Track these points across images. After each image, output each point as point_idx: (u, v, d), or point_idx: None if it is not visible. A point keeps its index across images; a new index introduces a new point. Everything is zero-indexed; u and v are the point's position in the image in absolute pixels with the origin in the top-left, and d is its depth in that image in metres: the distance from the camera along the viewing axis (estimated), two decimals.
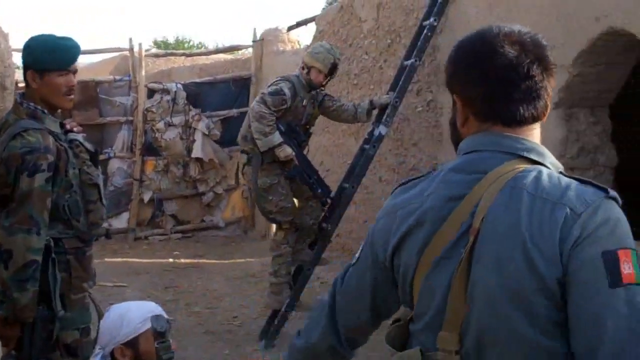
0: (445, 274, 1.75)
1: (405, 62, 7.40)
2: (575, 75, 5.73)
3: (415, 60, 7.27)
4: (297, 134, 7.24)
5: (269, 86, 7.29)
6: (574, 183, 1.74)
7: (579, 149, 5.93)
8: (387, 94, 7.41)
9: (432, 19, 7.26)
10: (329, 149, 9.95)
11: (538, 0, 6.06)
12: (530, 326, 1.65)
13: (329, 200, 7.33)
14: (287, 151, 6.99)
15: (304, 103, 7.28)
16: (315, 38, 10.43)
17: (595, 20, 5.39)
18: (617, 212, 1.71)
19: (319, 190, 7.24)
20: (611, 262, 1.62)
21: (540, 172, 1.76)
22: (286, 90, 7.08)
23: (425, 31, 7.29)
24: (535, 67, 1.82)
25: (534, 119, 1.85)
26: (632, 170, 6.62)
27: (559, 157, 5.86)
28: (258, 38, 12.98)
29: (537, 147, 1.83)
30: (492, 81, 1.81)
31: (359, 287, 2.02)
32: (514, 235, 1.68)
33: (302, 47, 12.41)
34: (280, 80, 7.31)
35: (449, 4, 7.30)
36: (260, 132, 6.95)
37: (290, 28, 12.81)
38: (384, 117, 7.23)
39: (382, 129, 7.21)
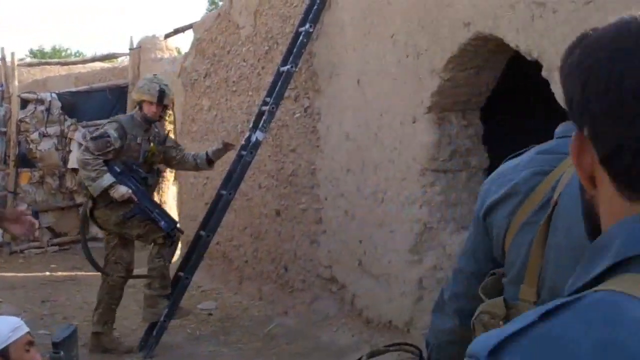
0: (529, 236, 1.96)
1: (282, 68, 7.36)
2: (446, 80, 5.79)
3: (292, 67, 7.24)
4: (136, 172, 7.14)
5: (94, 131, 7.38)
6: None
7: (452, 152, 6.00)
8: (221, 144, 7.48)
9: (307, 25, 7.24)
10: None
11: (405, 6, 6.12)
12: None
13: (175, 232, 7.28)
14: (120, 191, 6.89)
15: (138, 141, 7.17)
16: (193, 45, 10.28)
17: (464, 26, 5.47)
18: None
19: (162, 223, 7.11)
20: None
21: None
22: (111, 132, 7.00)
23: (301, 37, 7.27)
24: None
25: None
26: None
27: (432, 160, 5.92)
28: (135, 46, 12.73)
29: None
30: None
31: (473, 242, 2.22)
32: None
33: (181, 54, 12.23)
34: (107, 122, 7.34)
35: (324, 11, 7.30)
36: (88, 178, 6.90)
37: (167, 35, 12.62)
38: (261, 122, 7.17)
39: (258, 135, 7.15)
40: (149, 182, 7.24)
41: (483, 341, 0.94)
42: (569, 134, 1.84)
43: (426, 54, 5.91)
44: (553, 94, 4.83)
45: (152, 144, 7.27)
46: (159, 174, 7.60)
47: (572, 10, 4.67)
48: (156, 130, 7.42)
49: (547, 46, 4.86)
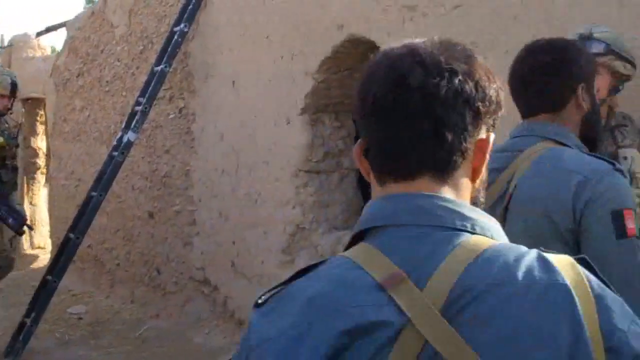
0: None
1: (156, 68, 7.19)
2: (320, 82, 5.77)
3: (166, 66, 7.09)
4: None
5: None
6: (588, 157, 2.21)
7: (325, 153, 5.98)
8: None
9: (182, 25, 7.10)
10: (81, 157, 9.50)
11: (280, 8, 6.08)
12: None
13: (25, 228, 7.09)
14: None
15: None
16: (66, 43, 9.96)
17: (338, 28, 5.46)
18: (622, 180, 2.16)
19: (10, 221, 6.89)
20: (618, 219, 2.06)
21: (562, 150, 2.24)
22: None
23: (175, 37, 7.12)
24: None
25: (546, 109, 2.31)
26: None
27: (305, 162, 5.89)
28: (6, 44, 12.25)
29: (561, 130, 2.29)
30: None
31: None
32: (537, 197, 2.16)
33: (54, 53, 11.84)
34: None
35: (200, 11, 7.17)
36: None
37: (39, 34, 12.18)
38: (133, 123, 6.99)
39: (130, 135, 6.96)
40: (2, 179, 6.94)
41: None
42: (523, 134, 2.32)
43: (300, 56, 5.88)
44: None
45: (1, 138, 6.99)
46: (14, 170, 7.28)
47: (441, 15, 4.73)
48: (6, 124, 7.13)
49: None
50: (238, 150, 6.72)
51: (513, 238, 1.88)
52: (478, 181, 1.26)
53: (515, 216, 2.19)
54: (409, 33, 4.91)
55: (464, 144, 1.19)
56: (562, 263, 1.13)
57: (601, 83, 3.16)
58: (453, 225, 1.15)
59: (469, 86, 1.19)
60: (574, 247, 2.09)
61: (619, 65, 3.20)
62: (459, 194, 1.20)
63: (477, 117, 1.21)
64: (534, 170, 2.21)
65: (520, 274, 1.09)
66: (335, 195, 6.03)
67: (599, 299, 1.09)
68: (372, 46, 5.29)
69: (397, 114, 1.18)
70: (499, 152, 2.22)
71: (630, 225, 2.07)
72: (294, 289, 1.15)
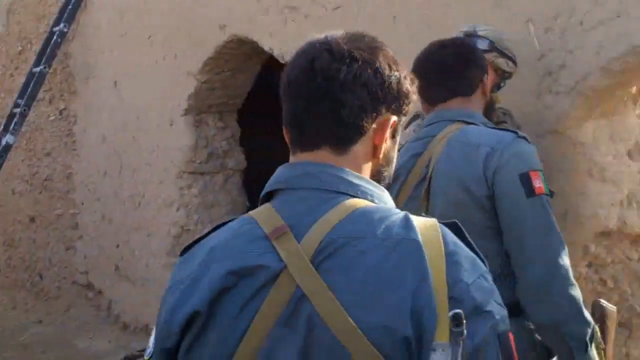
0: (415, 204, 2.41)
1: (35, 69, 6.96)
2: (203, 82, 5.69)
3: (45, 67, 6.87)
4: None
5: None
6: (492, 130, 2.50)
7: (209, 154, 5.90)
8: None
9: (62, 25, 6.89)
10: None
11: (162, 8, 5.97)
12: (471, 233, 1.77)
13: None
14: None
15: None
16: None
17: (220, 29, 5.40)
18: (526, 146, 2.42)
19: None
20: (525, 180, 2.31)
21: (469, 128, 2.48)
22: None
23: (55, 37, 6.91)
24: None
25: (456, 94, 2.57)
26: (261, 173, 6.74)
27: (189, 163, 5.80)
28: None
29: (467, 112, 2.55)
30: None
31: None
32: (453, 173, 2.39)
33: None
34: None
35: (80, 11, 6.97)
36: None
37: None
38: (11, 125, 6.73)
39: (9, 138, 6.72)
40: None
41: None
42: (434, 121, 2.56)
43: (183, 56, 5.79)
44: None
45: None
46: None
47: (322, 15, 4.73)
48: None
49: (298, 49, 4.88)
50: (121, 152, 6.56)
51: (437, 211, 2.32)
52: (381, 156, 1.40)
53: (436, 192, 2.42)
54: (290, 34, 4.90)
55: (361, 123, 1.35)
56: (424, 224, 1.30)
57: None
58: (337, 189, 1.33)
59: (368, 72, 1.34)
60: (491, 212, 2.36)
61: (502, 63, 3.25)
62: (356, 166, 1.36)
63: (376, 100, 1.35)
64: (447, 151, 2.44)
65: (379, 230, 1.27)
66: (219, 196, 5.96)
67: (449, 255, 1.25)
68: (254, 46, 5.25)
69: (304, 93, 1.35)
70: (416, 140, 2.54)
71: (538, 184, 2.34)
72: (204, 241, 1.39)
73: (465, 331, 1.18)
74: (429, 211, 2.37)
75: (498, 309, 1.25)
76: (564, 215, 3.53)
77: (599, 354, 2.35)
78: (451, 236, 1.30)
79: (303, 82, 1.36)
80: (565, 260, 2.32)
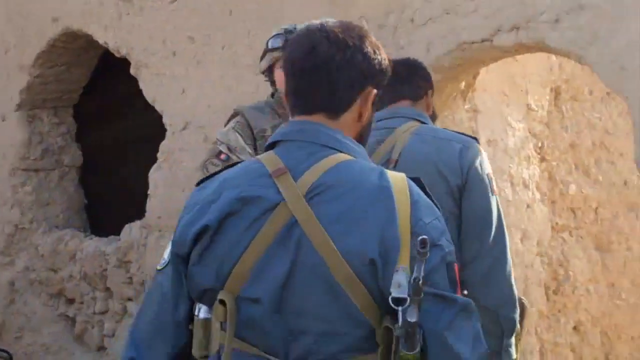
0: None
1: None
2: (35, 77, 5.40)
3: None
4: None
5: None
6: (453, 132, 2.88)
7: (43, 150, 5.61)
8: None
9: None
10: None
11: None
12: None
13: None
14: None
15: None
16: None
17: (53, 22, 5.14)
18: (481, 149, 2.77)
19: None
20: (490, 180, 2.67)
21: (432, 126, 2.85)
22: None
23: None
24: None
25: (403, 97, 2.88)
26: (97, 170, 6.50)
27: (23, 160, 5.52)
28: None
29: (420, 113, 2.86)
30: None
31: None
32: (427, 159, 2.64)
33: None
34: None
35: None
36: None
37: None
38: None
39: None
40: None
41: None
42: (390, 116, 2.82)
43: (15, 50, 5.47)
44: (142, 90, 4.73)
45: None
46: None
47: (158, 9, 4.59)
48: None
49: (135, 43, 4.72)
50: None
51: None
52: (364, 120, 1.70)
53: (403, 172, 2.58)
54: (126, 27, 4.73)
55: (351, 96, 1.66)
56: (395, 177, 1.60)
57: None
58: (327, 144, 1.63)
59: (358, 56, 1.65)
60: (458, 201, 2.65)
61: None
62: (345, 128, 1.67)
63: (364, 78, 1.66)
64: (416, 140, 2.72)
65: (359, 178, 1.59)
66: (55, 194, 5.67)
67: (413, 201, 1.56)
68: (89, 40, 5.04)
69: (307, 71, 1.65)
70: (377, 129, 2.64)
71: (495, 186, 2.71)
72: (218, 175, 1.70)
73: (428, 253, 1.45)
74: None
75: (447, 245, 1.57)
76: None
77: (516, 342, 2.72)
78: (416, 187, 1.60)
79: (306, 62, 1.66)
80: (509, 254, 2.70)
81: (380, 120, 2.76)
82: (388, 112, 2.85)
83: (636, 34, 2.70)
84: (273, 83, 3.30)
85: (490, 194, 2.65)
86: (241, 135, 3.22)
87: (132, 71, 4.80)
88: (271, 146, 1.71)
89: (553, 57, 3.93)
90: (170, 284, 1.66)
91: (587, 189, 4.28)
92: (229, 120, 3.34)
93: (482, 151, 2.74)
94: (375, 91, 1.69)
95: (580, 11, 2.83)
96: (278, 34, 3.27)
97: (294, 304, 1.56)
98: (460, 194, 2.64)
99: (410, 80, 2.88)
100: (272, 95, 3.34)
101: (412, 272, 1.45)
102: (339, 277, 1.52)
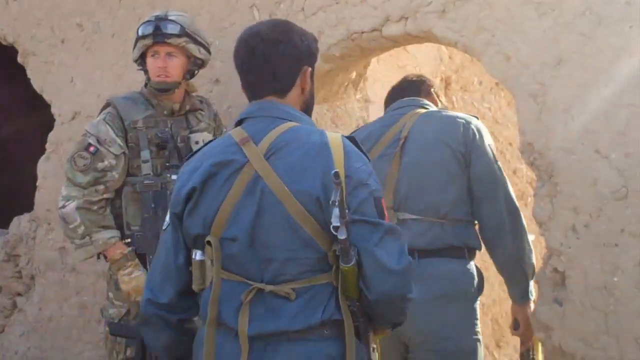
0: (386, 162, 2.95)
1: None
2: None
3: None
4: None
5: None
6: (457, 113, 3.08)
7: None
8: None
9: None
10: None
11: None
12: (447, 180, 2.88)
13: None
14: None
15: None
16: None
17: None
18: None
19: None
20: (491, 149, 2.91)
21: (438, 109, 3.12)
22: None
23: None
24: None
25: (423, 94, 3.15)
26: None
27: None
28: None
29: (430, 104, 3.11)
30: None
31: None
32: (435, 134, 2.90)
33: None
34: None
35: None
36: None
37: None
38: None
39: None
40: None
41: None
42: (403, 105, 3.08)
43: None
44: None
45: None
46: None
47: None
48: None
49: (22, 30, 4.50)
50: None
51: (406, 171, 2.92)
52: (306, 92, 2.14)
53: (412, 147, 2.94)
54: (13, 14, 4.53)
55: (291, 78, 2.09)
56: (333, 135, 2.05)
57: (177, 65, 3.14)
58: (279, 116, 2.06)
59: (291, 47, 2.08)
60: (463, 165, 2.88)
61: (194, 49, 3.15)
62: (292, 102, 2.10)
63: (298, 61, 2.10)
64: (423, 120, 2.98)
65: (304, 138, 2.02)
66: None
67: (346, 152, 2.00)
68: None
69: (252, 69, 2.09)
70: (381, 120, 3.14)
71: (495, 153, 2.95)
72: (199, 150, 2.15)
73: (342, 182, 1.89)
74: (401, 164, 2.94)
75: (374, 184, 2.01)
76: None
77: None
78: (348, 142, 2.05)
79: (250, 62, 2.09)
80: (519, 208, 2.90)
81: (398, 108, 3.09)
82: (397, 103, 3.11)
83: (521, 24, 2.69)
84: (146, 72, 3.19)
85: (493, 160, 2.88)
86: (111, 127, 3.09)
87: (19, 59, 4.58)
88: (239, 123, 2.12)
89: (443, 47, 3.92)
90: (171, 239, 2.12)
91: None
92: (101, 111, 3.21)
93: (483, 126, 2.97)
94: (310, 69, 2.13)
95: (466, 1, 2.80)
96: (148, 21, 3.16)
97: (262, 239, 2.01)
98: (466, 160, 2.88)
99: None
100: (146, 85, 3.22)
101: (347, 206, 1.91)
102: (294, 213, 1.97)
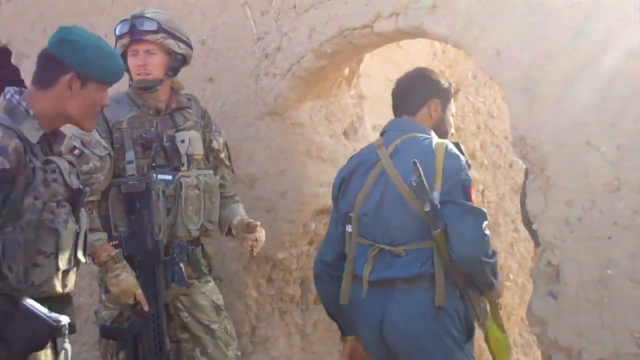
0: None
1: None
2: None
3: None
4: None
5: None
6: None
7: None
8: None
9: None
10: None
11: None
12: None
13: None
14: None
15: None
16: None
17: None
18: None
19: None
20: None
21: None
22: None
23: None
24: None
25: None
26: None
27: None
28: None
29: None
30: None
31: None
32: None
33: None
34: None
35: None
36: None
37: None
38: None
39: None
40: None
41: None
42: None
43: None
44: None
45: None
46: None
47: None
48: None
49: (15, 32, 4.51)
50: None
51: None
52: (435, 118, 2.98)
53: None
54: (6, 16, 4.53)
55: (419, 105, 2.98)
56: (439, 141, 2.82)
57: (157, 62, 3.12)
58: (406, 129, 2.96)
59: (421, 83, 3.00)
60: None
61: (172, 44, 3.12)
62: (420, 121, 2.98)
63: (429, 95, 2.96)
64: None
65: (417, 144, 2.82)
66: None
67: (446, 153, 2.74)
68: None
69: (396, 95, 3.05)
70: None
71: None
72: (355, 154, 3.15)
73: (420, 170, 2.64)
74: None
75: (464, 175, 2.74)
76: (283, 195, 3.50)
77: None
78: (451, 146, 2.78)
79: (397, 91, 3.06)
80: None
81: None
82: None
83: (511, 19, 2.69)
84: (128, 71, 3.14)
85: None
86: (96, 129, 3.08)
87: (13, 61, 4.58)
88: (382, 134, 2.97)
89: (437, 42, 3.92)
90: (334, 215, 3.01)
91: (473, 172, 4.29)
92: None
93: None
94: (438, 101, 2.94)
95: None
96: (125, 20, 3.16)
97: (384, 214, 2.80)
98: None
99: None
100: (130, 85, 3.20)
101: (442, 190, 2.70)
102: (405, 196, 2.75)
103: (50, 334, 2.13)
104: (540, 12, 2.63)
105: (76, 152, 3.03)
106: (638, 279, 2.44)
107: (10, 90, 2.38)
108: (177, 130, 3.17)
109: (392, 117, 3.06)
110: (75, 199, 2.36)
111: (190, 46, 3.21)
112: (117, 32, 3.14)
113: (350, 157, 3.04)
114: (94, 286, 3.97)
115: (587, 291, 2.54)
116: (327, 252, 3.00)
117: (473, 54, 2.82)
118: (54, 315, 2.13)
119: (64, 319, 2.13)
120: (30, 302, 2.10)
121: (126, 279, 2.99)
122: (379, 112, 3.73)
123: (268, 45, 3.42)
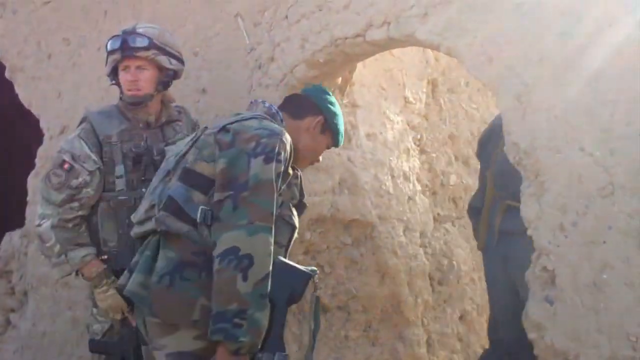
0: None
1: None
2: None
3: None
4: None
5: None
6: None
7: None
8: None
9: None
10: None
11: None
12: None
13: None
14: None
15: None
16: None
17: None
18: None
19: None
20: None
21: None
22: None
23: None
24: None
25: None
26: None
27: None
28: None
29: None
30: None
31: None
32: None
33: None
34: None
35: None
36: None
37: None
38: None
39: None
40: None
41: None
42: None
43: None
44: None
45: None
46: None
47: (32, 11, 4.40)
48: None
49: (9, 46, 4.51)
50: None
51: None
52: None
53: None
54: None
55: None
56: None
57: (148, 77, 3.12)
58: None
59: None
60: None
61: (164, 60, 3.13)
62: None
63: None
64: None
65: None
66: None
67: None
68: None
69: None
70: None
71: None
72: None
73: None
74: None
75: None
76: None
77: None
78: None
79: None
80: None
81: None
82: None
83: (503, 25, 2.69)
84: (120, 85, 3.16)
85: None
86: (86, 143, 3.07)
87: (7, 75, 4.58)
88: None
89: (429, 50, 3.93)
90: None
91: (467, 178, 4.31)
92: (79, 125, 3.19)
93: None
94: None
95: (448, 4, 2.80)
96: (116, 36, 3.16)
97: (511, 177, 3.04)
98: None
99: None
100: (121, 98, 3.19)
101: None
102: None
103: (307, 284, 2.43)
104: (531, 17, 2.63)
105: (66, 166, 3.03)
106: (633, 282, 2.43)
107: (262, 100, 2.78)
108: (167, 144, 3.15)
109: (385, 124, 3.05)
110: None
111: (181, 61, 3.21)
112: (109, 48, 3.14)
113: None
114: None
115: (582, 296, 2.53)
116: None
117: (465, 61, 2.82)
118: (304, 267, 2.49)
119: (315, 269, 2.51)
120: (282, 259, 2.42)
121: (114, 295, 3.00)
122: (372, 121, 3.73)
123: (261, 56, 3.42)
